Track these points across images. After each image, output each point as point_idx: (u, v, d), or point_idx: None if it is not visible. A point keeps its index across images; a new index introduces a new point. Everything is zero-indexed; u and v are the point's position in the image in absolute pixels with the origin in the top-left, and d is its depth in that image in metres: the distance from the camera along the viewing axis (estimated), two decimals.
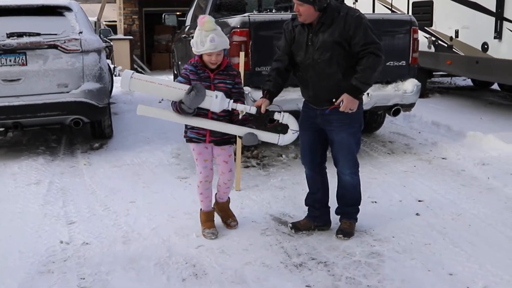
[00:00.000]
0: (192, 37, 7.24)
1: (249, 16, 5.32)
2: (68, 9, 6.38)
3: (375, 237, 3.87)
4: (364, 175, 5.16)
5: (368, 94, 5.47)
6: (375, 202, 4.59)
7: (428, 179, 5.17)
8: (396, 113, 5.89)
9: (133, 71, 3.61)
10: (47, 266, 3.49)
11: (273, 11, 7.10)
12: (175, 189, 4.98)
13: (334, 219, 4.02)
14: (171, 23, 9.82)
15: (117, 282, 3.28)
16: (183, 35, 8.59)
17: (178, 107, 3.55)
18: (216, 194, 4.08)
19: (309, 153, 3.96)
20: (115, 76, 13.01)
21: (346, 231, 3.86)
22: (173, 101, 3.62)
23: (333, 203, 4.02)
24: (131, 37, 15.96)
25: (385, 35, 5.71)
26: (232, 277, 3.31)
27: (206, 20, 3.56)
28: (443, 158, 5.86)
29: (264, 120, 3.65)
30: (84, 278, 3.33)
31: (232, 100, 3.59)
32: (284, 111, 3.72)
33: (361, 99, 3.75)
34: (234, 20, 5.43)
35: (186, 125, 3.78)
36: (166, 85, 3.62)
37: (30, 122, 6.05)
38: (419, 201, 4.60)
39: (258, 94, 5.23)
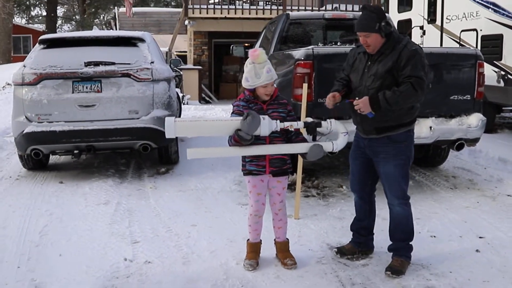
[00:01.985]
0: None
1: (313, 49, 5.46)
2: (141, 40, 6.74)
3: (431, 271, 3.83)
4: (424, 209, 5.17)
5: (430, 127, 5.48)
6: (434, 236, 4.53)
7: (491, 216, 5.06)
8: (459, 147, 5.81)
9: (174, 117, 3.62)
10: (111, 281, 3.70)
11: (338, 44, 7.23)
12: (235, 214, 5.11)
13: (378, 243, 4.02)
14: (238, 54, 10.10)
15: None
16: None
17: (236, 135, 3.58)
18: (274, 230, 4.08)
19: (358, 182, 4.05)
20: (184, 104, 13.46)
21: (395, 269, 3.75)
22: (230, 136, 3.65)
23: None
24: (200, 67, 16.45)
25: (450, 69, 5.70)
26: None
27: (259, 53, 3.67)
28: (508, 195, 5.71)
29: (314, 131, 3.71)
30: None
31: (278, 121, 3.64)
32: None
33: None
34: (299, 53, 5.58)
35: (244, 158, 3.85)
36: (212, 121, 3.68)
37: (102, 146, 6.38)
38: (480, 237, 4.51)
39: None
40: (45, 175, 6.67)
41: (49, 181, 6.40)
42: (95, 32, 7.01)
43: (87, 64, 6.28)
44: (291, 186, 5.62)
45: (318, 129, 3.73)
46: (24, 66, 6.39)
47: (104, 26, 39.65)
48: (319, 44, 7.36)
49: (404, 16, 11.86)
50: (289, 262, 3.90)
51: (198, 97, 16.17)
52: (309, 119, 5.33)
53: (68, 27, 41.15)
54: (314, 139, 3.77)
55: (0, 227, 4.82)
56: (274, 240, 4.06)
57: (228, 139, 3.72)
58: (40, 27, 38.05)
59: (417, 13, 11.27)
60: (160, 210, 5.31)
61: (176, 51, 18.45)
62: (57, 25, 32.21)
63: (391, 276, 3.70)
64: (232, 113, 3.85)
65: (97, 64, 6.30)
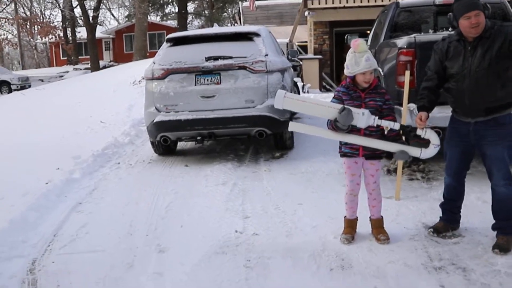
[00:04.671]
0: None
1: (415, 37, 5.63)
2: (257, 34, 7.26)
3: None
4: None
5: None
6: None
7: None
8: None
9: (285, 91, 4.11)
10: (222, 249, 4.26)
11: (449, 29, 7.23)
12: (339, 195, 5.37)
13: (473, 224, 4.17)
14: None
15: (275, 266, 3.92)
16: None
17: (334, 125, 4.01)
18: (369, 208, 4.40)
19: (457, 166, 4.22)
20: (304, 93, 13.92)
21: (503, 247, 3.93)
22: (328, 119, 4.09)
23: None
24: (320, 56, 16.79)
25: None
26: (374, 272, 3.73)
27: (360, 43, 4.00)
28: None
29: (408, 135, 3.98)
30: (250, 260, 4.02)
31: (377, 117, 3.97)
32: (432, 127, 4.04)
33: None
34: (401, 41, 5.78)
35: (340, 142, 4.24)
36: (317, 104, 4.10)
37: (221, 133, 7.01)
38: None
39: None
40: (173, 160, 7.47)
41: (176, 165, 7.17)
42: (215, 29, 7.63)
43: (208, 59, 6.90)
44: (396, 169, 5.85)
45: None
46: (154, 62, 7.19)
47: (231, 20, 41.21)
48: (430, 31, 7.42)
49: None
50: (382, 237, 4.21)
51: (318, 86, 16.54)
52: (412, 105, 5.57)
53: (198, 22, 43.30)
54: (407, 141, 4.04)
55: (134, 202, 5.62)
56: (369, 217, 4.38)
57: (327, 122, 4.13)
58: (173, 23, 40.49)
59: None
60: (271, 190, 5.81)
61: (297, 42, 18.92)
62: (187, 21, 34.14)
63: (499, 254, 3.86)
64: (333, 97, 4.24)
65: (216, 58, 6.90)
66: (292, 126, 4.22)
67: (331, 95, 15.30)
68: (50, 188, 6.02)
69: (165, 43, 7.45)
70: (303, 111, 4.30)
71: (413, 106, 5.57)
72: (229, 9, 41.31)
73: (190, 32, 7.81)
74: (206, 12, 41.70)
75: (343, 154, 4.26)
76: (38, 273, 4.09)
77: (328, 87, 17.31)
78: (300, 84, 13.33)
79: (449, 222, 4.32)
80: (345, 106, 3.94)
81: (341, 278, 3.67)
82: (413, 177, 5.97)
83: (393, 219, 4.65)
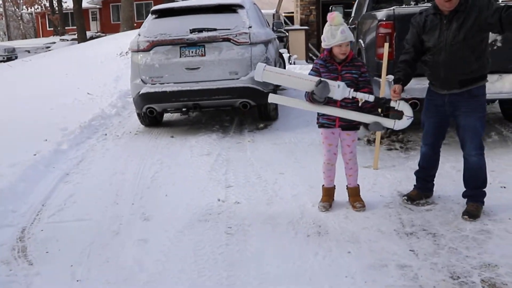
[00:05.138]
0: (354, 27, 7.75)
1: (394, 10, 5.74)
2: (241, 6, 7.32)
3: (491, 217, 4.13)
4: (502, 162, 5.38)
5: None
6: (504, 187, 4.75)
7: None
8: None
9: (265, 64, 4.23)
10: (205, 217, 4.44)
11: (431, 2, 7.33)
12: (320, 165, 5.58)
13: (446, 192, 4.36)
14: None
15: (255, 232, 4.10)
16: (348, 26, 9.10)
17: (311, 97, 4.15)
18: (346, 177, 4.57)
19: (434, 136, 4.40)
20: (290, 64, 13.99)
21: (472, 213, 4.12)
22: (306, 91, 4.22)
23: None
24: (306, 27, 16.82)
25: None
26: (348, 237, 3.92)
27: (335, 16, 4.13)
28: None
29: (382, 107, 4.14)
30: (231, 227, 4.20)
31: (352, 90, 4.10)
32: (410, 99, 4.19)
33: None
34: (381, 13, 5.90)
35: (318, 113, 4.38)
36: (295, 77, 4.25)
37: (206, 104, 7.13)
38: None
39: None
40: (159, 131, 7.59)
41: (162, 136, 7.30)
42: (199, 1, 7.69)
43: (192, 31, 6.99)
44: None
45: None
46: (139, 34, 7.26)
47: None
48: (411, 3, 7.51)
49: None
50: (358, 205, 4.40)
51: (305, 57, 16.61)
52: (391, 77, 5.71)
53: None
54: (382, 113, 4.19)
55: (120, 172, 5.76)
56: (346, 186, 4.56)
57: (305, 94, 4.27)
58: None
59: None
60: (254, 160, 5.97)
61: (284, 12, 18.89)
62: None
63: (468, 220, 4.05)
64: (311, 70, 4.37)
65: (200, 30, 6.99)
66: (272, 98, 4.37)
67: None
68: (38, 159, 6.13)
69: (150, 15, 7.51)
70: (282, 83, 4.44)
71: (391, 77, 5.71)
72: None
73: (175, 4, 7.85)
74: None
75: (321, 125, 4.41)
76: (27, 240, 4.24)
77: (314, 58, 17.37)
78: (286, 56, 13.40)
79: (422, 191, 4.51)
80: (322, 78, 4.08)
81: (317, 243, 3.85)
82: (391, 147, 6.15)
83: (370, 188, 4.84)
